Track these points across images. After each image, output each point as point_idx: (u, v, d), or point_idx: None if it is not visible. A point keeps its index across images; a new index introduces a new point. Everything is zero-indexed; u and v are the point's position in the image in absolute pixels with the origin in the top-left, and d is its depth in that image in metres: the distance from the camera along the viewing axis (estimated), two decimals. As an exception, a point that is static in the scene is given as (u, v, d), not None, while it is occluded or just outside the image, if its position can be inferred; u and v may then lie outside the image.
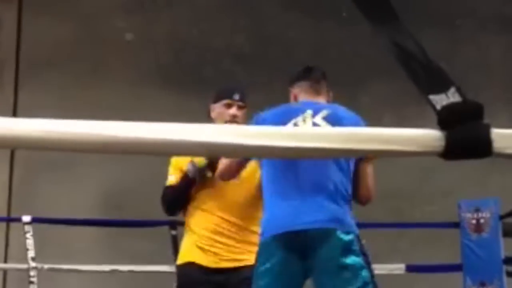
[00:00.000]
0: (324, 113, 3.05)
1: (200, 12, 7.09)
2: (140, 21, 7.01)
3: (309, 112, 3.06)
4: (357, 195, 3.07)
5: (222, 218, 3.45)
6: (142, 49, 6.95)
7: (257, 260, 2.97)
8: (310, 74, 3.23)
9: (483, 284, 4.87)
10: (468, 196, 5.10)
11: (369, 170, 3.08)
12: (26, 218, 5.21)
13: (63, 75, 6.77)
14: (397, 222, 5.76)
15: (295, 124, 3.02)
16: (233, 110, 3.54)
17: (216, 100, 3.59)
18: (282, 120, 3.03)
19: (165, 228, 5.20)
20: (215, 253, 3.42)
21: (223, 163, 3.22)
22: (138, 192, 6.42)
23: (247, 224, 3.42)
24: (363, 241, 2.95)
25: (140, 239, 6.05)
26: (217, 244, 3.43)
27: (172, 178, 3.54)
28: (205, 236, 3.46)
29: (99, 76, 6.84)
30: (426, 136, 1.37)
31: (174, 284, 3.58)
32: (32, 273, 5.11)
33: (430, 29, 6.95)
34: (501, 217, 5.03)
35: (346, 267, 2.87)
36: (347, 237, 2.90)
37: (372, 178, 3.10)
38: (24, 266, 5.17)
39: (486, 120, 1.40)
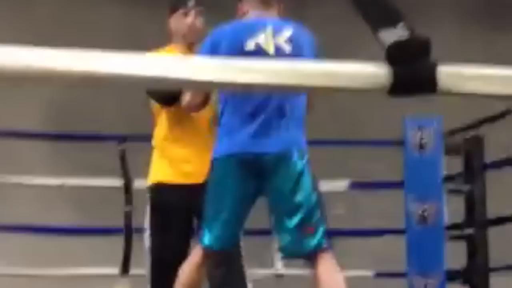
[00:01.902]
0: (286, 33, 3.04)
1: None
2: None
3: (269, 30, 3.05)
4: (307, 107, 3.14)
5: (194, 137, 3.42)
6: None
7: (211, 174, 3.03)
8: None
9: (423, 200, 5.00)
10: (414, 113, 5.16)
11: None
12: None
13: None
14: (344, 139, 5.84)
15: (257, 44, 3.01)
16: (190, 19, 3.45)
17: (171, 12, 3.49)
18: (241, 39, 3.02)
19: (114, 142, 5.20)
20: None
21: (189, 95, 3.19)
22: (86, 102, 6.37)
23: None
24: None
25: (87, 152, 6.04)
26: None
27: None
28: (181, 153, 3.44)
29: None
30: (373, 72, 1.38)
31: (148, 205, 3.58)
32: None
33: None
34: (443, 136, 5.13)
35: (298, 191, 2.97)
36: (302, 162, 3.00)
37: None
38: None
39: (432, 34, 1.42)
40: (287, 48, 3.03)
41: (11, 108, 6.29)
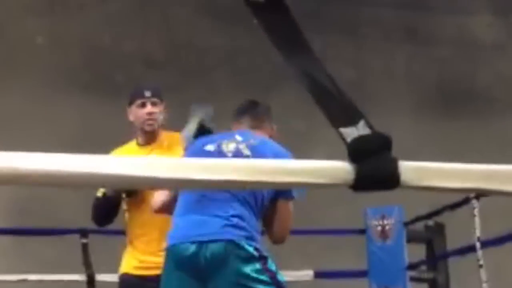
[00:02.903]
0: (250, 142, 3.00)
1: (112, 16, 7.04)
2: (51, 24, 6.91)
3: (233, 137, 3.03)
4: (271, 233, 2.99)
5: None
6: (52, 52, 6.85)
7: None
8: (251, 110, 3.18)
9: (388, 289, 5.01)
10: (373, 203, 5.23)
11: (288, 209, 3.01)
12: None
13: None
14: (306, 228, 5.86)
15: (219, 145, 3.00)
16: (148, 109, 3.51)
17: (130, 103, 3.57)
18: (203, 143, 3.04)
19: (76, 235, 5.16)
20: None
21: (159, 198, 3.12)
22: (47, 197, 6.33)
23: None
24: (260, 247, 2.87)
25: (49, 247, 5.97)
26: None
27: (101, 189, 3.47)
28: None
29: (8, 80, 6.71)
30: (336, 169, 1.42)
31: None
32: None
33: (339, 39, 7.11)
34: (405, 224, 5.18)
35: (246, 276, 2.78)
36: (250, 247, 2.83)
37: (291, 218, 3.03)
38: None
39: (392, 127, 1.47)
40: (246, 152, 2.95)
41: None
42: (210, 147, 3.00)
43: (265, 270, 2.81)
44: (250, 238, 2.83)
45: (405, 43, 7.56)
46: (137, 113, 3.54)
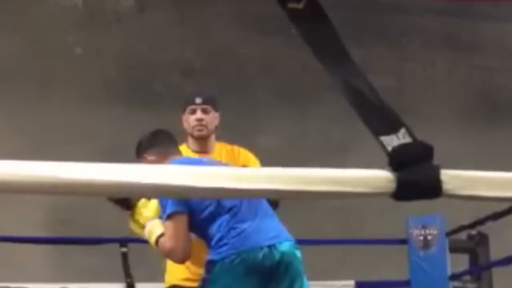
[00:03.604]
0: None
1: (150, 27, 7.07)
2: (90, 35, 6.96)
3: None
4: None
5: None
6: (91, 64, 6.90)
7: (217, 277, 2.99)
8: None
9: (430, 299, 4.95)
10: (415, 213, 5.17)
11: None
12: (-27, 237, 5.12)
13: (11, 91, 6.68)
14: (347, 238, 5.82)
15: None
16: (197, 115, 3.52)
17: (183, 110, 3.59)
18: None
19: (115, 244, 5.17)
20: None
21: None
22: (87, 207, 6.36)
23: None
24: None
25: (89, 256, 6.00)
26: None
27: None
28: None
29: (48, 92, 6.77)
30: (378, 178, 1.39)
31: None
32: (-21, 292, 5.03)
33: (379, 47, 7.06)
34: (447, 234, 5.11)
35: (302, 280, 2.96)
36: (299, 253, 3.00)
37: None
38: (-29, 285, 5.09)
39: (434, 137, 1.43)
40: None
41: (12, 213, 6.28)
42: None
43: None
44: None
45: (447, 50, 7.48)
46: (188, 120, 3.55)
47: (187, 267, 3.40)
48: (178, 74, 7.04)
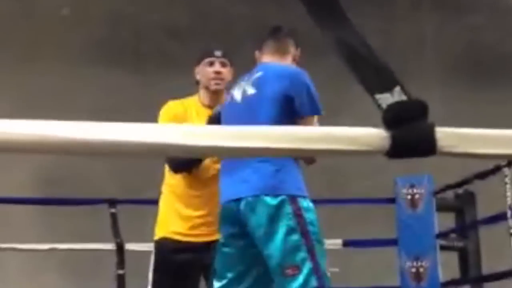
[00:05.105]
0: (256, 75, 3.03)
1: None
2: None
3: (249, 77, 3.08)
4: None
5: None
6: (78, 24, 6.84)
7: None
8: (274, 33, 3.19)
9: (417, 258, 4.99)
10: (403, 173, 5.19)
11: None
12: (-39, 197, 5.11)
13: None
14: (335, 198, 5.84)
15: (233, 95, 3.10)
16: (216, 67, 3.46)
17: (198, 62, 3.51)
18: (237, 86, 3.12)
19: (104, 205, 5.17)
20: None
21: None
22: (75, 167, 6.36)
23: None
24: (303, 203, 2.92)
25: (78, 217, 6.01)
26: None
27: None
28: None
29: (35, 53, 6.71)
30: (371, 135, 1.38)
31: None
32: (-32, 252, 5.03)
33: (364, 5, 7.02)
34: (435, 193, 5.14)
35: (275, 232, 2.86)
36: (275, 201, 2.88)
37: None
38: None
39: (422, 96, 1.43)
40: (250, 90, 3.02)
41: (0, 174, 6.27)
42: (236, 95, 3.08)
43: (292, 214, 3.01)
44: (275, 189, 3.04)
45: (434, 10, 7.46)
46: (204, 71, 3.47)
47: (180, 218, 3.39)
48: (165, 34, 6.99)
